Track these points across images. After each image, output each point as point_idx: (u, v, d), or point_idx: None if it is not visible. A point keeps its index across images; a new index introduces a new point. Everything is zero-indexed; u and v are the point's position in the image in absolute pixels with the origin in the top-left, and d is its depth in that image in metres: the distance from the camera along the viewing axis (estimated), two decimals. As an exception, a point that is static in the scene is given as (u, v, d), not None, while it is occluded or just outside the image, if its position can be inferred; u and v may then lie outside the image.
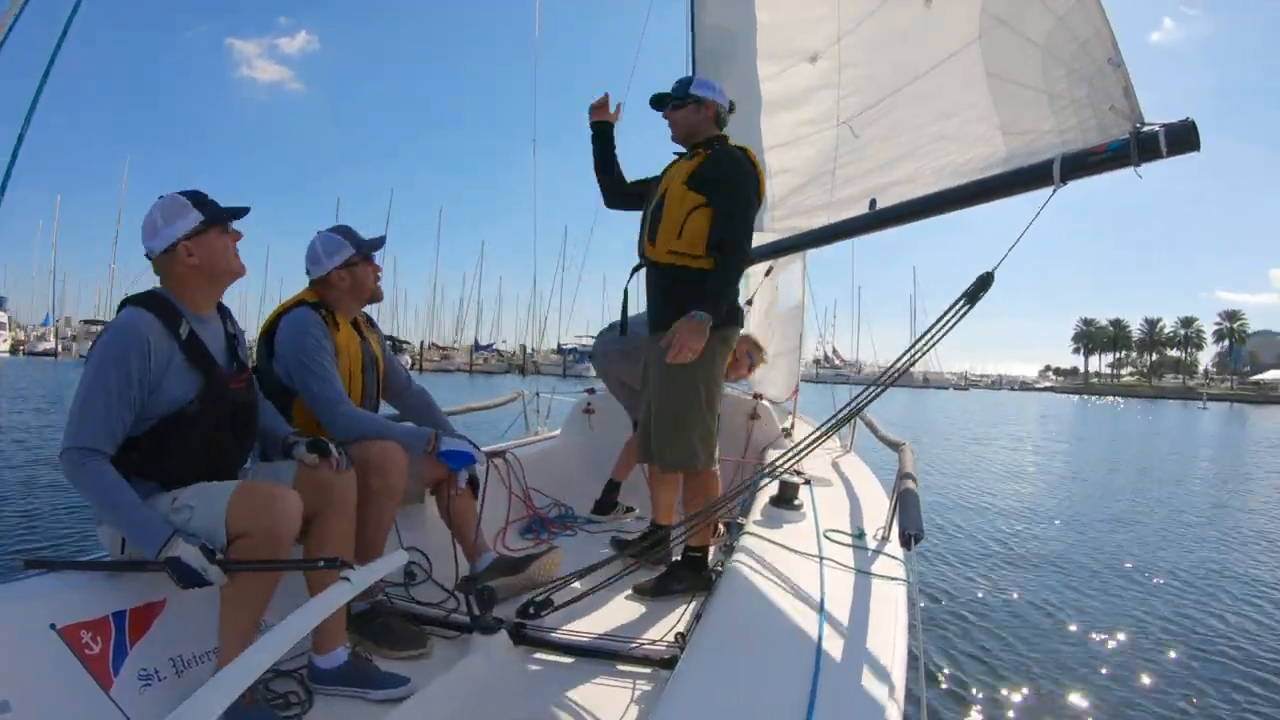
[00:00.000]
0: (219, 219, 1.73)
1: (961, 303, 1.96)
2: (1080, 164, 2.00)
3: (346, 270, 2.26)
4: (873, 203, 2.90)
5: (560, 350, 57.52)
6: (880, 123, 2.90)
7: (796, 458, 2.35)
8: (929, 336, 1.98)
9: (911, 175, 2.70)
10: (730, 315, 2.49)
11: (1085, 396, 66.91)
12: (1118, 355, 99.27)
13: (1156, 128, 1.87)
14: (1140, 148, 1.88)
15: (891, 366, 2.13)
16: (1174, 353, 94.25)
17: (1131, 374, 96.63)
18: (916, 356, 2.03)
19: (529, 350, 65.31)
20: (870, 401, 2.22)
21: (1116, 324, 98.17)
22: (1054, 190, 2.02)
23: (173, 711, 1.05)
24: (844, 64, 3.09)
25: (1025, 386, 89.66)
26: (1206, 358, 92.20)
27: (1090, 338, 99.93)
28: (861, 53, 3.01)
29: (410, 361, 49.78)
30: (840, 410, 2.28)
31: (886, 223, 2.81)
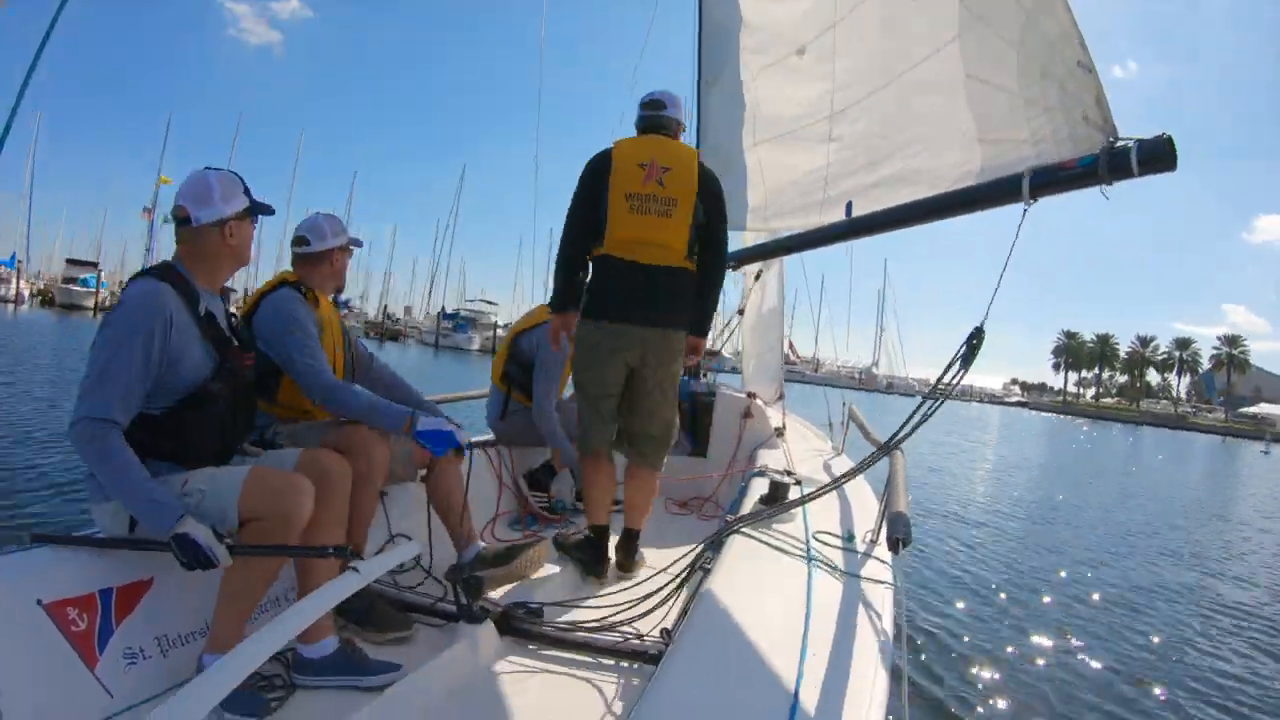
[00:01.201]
0: (257, 211, 1.79)
1: (957, 367, 2.05)
2: (1050, 179, 1.97)
3: (340, 253, 2.39)
4: (849, 207, 2.92)
5: (443, 315, 50.45)
6: (862, 123, 2.92)
7: (823, 491, 2.49)
8: (929, 404, 2.11)
9: (890, 178, 2.72)
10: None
11: (1080, 418, 63.69)
12: (1099, 373, 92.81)
13: (1130, 143, 1.79)
14: (1111, 164, 1.81)
15: (900, 429, 2.25)
16: (1151, 376, 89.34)
17: (1101, 393, 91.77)
18: (924, 418, 2.15)
19: (402, 314, 58.78)
20: (898, 445, 2.32)
21: (1103, 339, 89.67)
22: (1025, 211, 2.00)
23: (183, 689, 1.06)
24: (834, 58, 3.11)
25: (995, 400, 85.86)
26: (1181, 384, 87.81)
27: (1071, 352, 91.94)
28: (848, 50, 3.01)
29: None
30: (868, 459, 2.48)
31: (859, 233, 2.86)
